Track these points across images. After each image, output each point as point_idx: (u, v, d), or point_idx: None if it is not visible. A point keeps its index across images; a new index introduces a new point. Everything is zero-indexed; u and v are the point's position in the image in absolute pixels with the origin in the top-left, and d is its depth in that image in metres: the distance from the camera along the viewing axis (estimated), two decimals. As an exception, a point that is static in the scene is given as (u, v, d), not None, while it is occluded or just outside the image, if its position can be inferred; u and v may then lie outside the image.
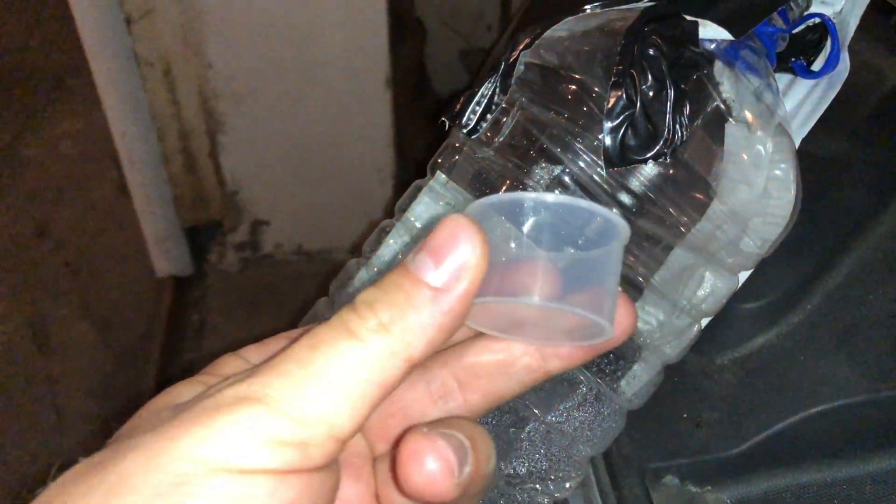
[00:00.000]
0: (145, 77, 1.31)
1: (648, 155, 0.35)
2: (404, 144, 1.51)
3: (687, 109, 0.36)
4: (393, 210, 0.48)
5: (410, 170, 1.53)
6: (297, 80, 1.35)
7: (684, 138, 0.36)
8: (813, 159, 0.49)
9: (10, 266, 1.62)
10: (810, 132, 0.47)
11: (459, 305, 0.23)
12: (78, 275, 1.60)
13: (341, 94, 1.39)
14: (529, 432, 0.40)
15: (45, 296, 1.57)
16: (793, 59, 0.46)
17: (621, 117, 0.35)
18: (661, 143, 0.35)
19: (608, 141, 0.36)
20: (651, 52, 0.36)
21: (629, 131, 0.35)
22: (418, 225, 0.47)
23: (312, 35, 1.31)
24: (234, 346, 0.28)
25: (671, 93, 0.35)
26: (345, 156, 1.47)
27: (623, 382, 0.42)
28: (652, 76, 0.35)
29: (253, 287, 1.58)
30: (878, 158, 0.51)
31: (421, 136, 1.55)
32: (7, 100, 1.98)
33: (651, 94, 0.35)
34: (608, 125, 0.35)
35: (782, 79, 0.48)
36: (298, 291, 1.56)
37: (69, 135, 1.87)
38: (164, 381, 1.38)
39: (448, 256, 0.23)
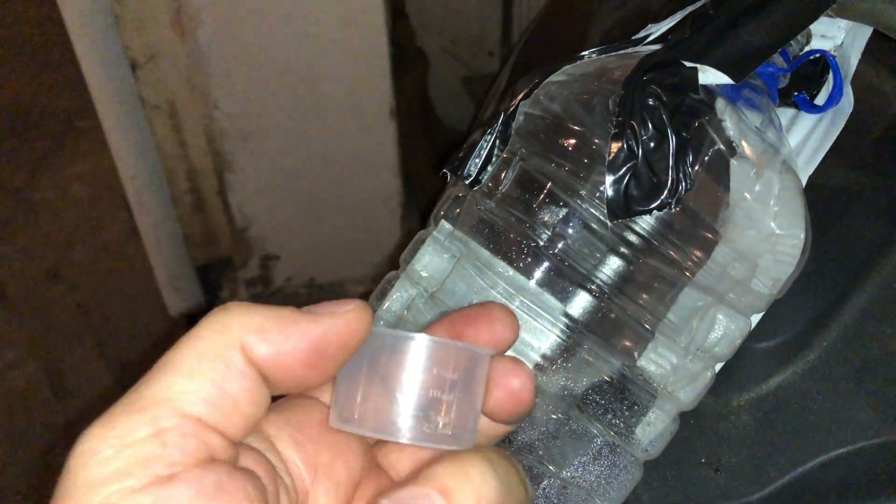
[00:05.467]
0: (152, 120, 1.32)
1: (653, 206, 0.35)
2: (411, 173, 1.51)
3: (690, 157, 0.35)
4: (402, 241, 0.48)
5: (418, 198, 1.53)
6: (302, 116, 1.36)
7: (689, 187, 0.35)
8: (820, 190, 0.48)
9: (26, 310, 1.63)
10: (816, 162, 0.47)
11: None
12: (91, 316, 1.61)
13: (346, 127, 1.40)
14: (545, 489, 0.39)
15: (59, 339, 1.57)
16: (795, 94, 0.45)
17: (623, 168, 0.35)
18: (665, 193, 0.35)
19: (611, 192, 0.35)
20: (651, 101, 0.35)
21: (632, 182, 0.35)
22: (425, 274, 0.46)
23: (315, 71, 1.32)
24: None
25: (673, 142, 0.35)
26: (352, 187, 1.47)
27: (638, 430, 0.42)
28: (653, 126, 0.35)
29: (265, 322, 1.57)
30: (887, 186, 0.50)
31: (427, 164, 1.55)
32: (19, 143, 2.01)
33: (652, 144, 0.35)
34: (610, 177, 0.35)
35: (785, 114, 0.47)
36: (311, 324, 1.56)
37: (80, 177, 1.89)
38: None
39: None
